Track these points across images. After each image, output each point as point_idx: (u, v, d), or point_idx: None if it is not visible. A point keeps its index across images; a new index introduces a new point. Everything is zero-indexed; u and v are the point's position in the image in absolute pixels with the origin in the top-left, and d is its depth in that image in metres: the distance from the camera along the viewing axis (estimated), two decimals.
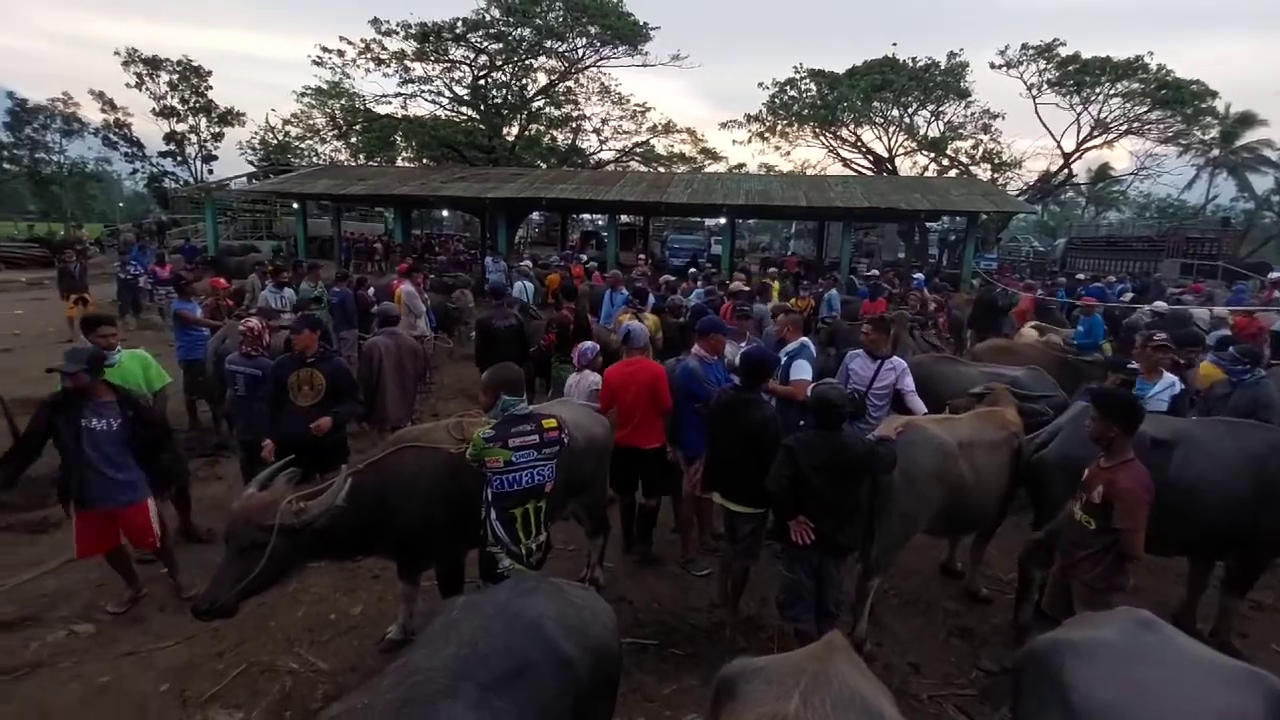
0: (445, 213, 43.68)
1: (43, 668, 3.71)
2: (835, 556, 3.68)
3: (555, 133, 34.94)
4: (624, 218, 28.45)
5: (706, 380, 4.68)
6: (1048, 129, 31.28)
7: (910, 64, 31.55)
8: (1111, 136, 30.41)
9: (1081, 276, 19.77)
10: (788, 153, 35.72)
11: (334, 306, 9.07)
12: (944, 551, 5.15)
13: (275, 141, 37.19)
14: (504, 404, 3.24)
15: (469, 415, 4.02)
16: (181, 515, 5.16)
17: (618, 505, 5.16)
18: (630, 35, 29.74)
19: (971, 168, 31.72)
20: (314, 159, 34.74)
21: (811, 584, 3.63)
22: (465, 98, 32.17)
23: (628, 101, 33.62)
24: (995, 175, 31.30)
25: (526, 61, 31.26)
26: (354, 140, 33.98)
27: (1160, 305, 9.84)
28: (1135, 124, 29.64)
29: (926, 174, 32.37)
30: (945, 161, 32.49)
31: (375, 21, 29.88)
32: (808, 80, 33.01)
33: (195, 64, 39.71)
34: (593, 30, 29.55)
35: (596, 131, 34.63)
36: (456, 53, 30.63)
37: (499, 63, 31.02)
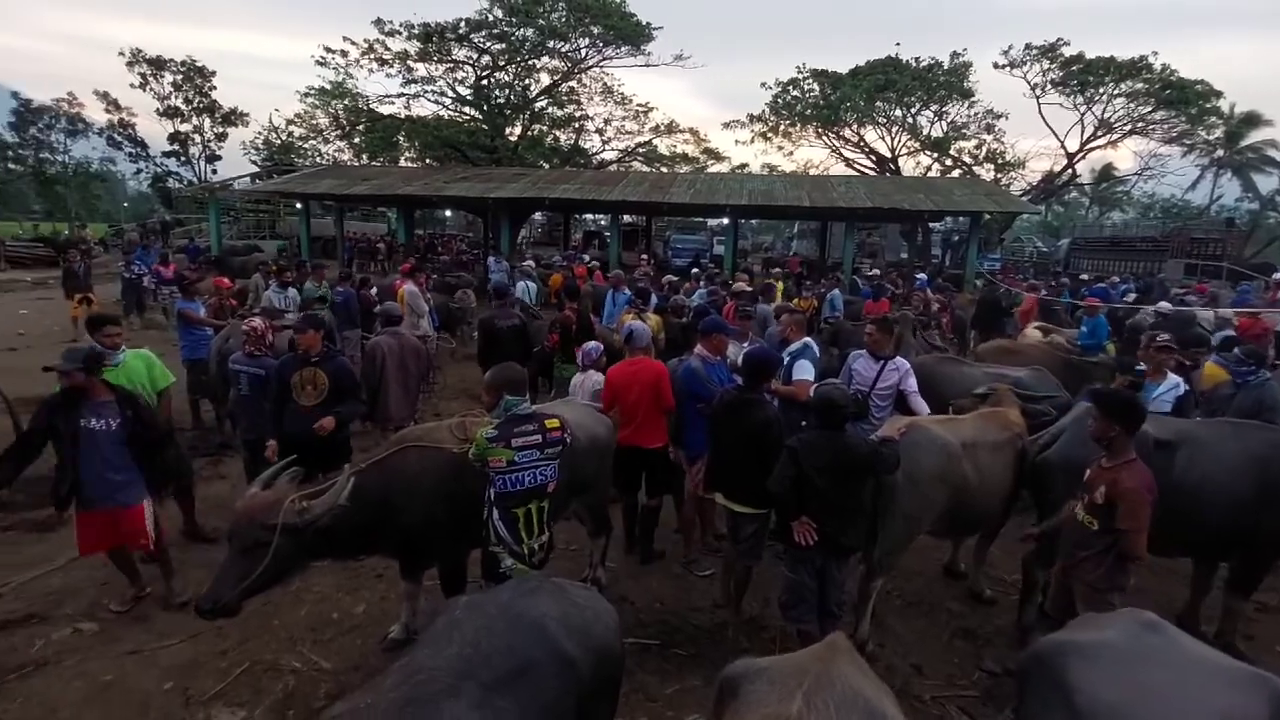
0: (448, 213, 43.75)
1: (48, 665, 3.72)
2: (838, 557, 3.67)
3: (558, 133, 34.98)
4: (627, 218, 28.47)
5: (709, 380, 4.68)
6: (1051, 129, 31.25)
7: (913, 64, 31.52)
8: (1115, 136, 30.36)
9: (1085, 277, 19.70)
10: (790, 153, 35.77)
11: (337, 306, 9.09)
12: (947, 553, 5.14)
13: (279, 142, 37.28)
14: (507, 404, 3.25)
15: (472, 415, 4.02)
16: (186, 515, 5.17)
17: (620, 505, 5.16)
18: (633, 35, 29.76)
19: (975, 168, 31.69)
20: (317, 159, 34.81)
21: (814, 585, 3.63)
22: (468, 98, 32.23)
23: (630, 101, 33.68)
24: (999, 175, 31.27)
25: (529, 62, 31.30)
26: (357, 140, 34.07)
27: (1164, 306, 9.81)
28: (1139, 124, 29.59)
29: (930, 174, 32.36)
30: (948, 161, 32.45)
31: (378, 22, 30.00)
32: (811, 80, 33.02)
33: (199, 64, 39.87)
34: (595, 30, 29.58)
35: (599, 132, 34.71)
36: (459, 53, 30.70)
37: (502, 63, 31.08)
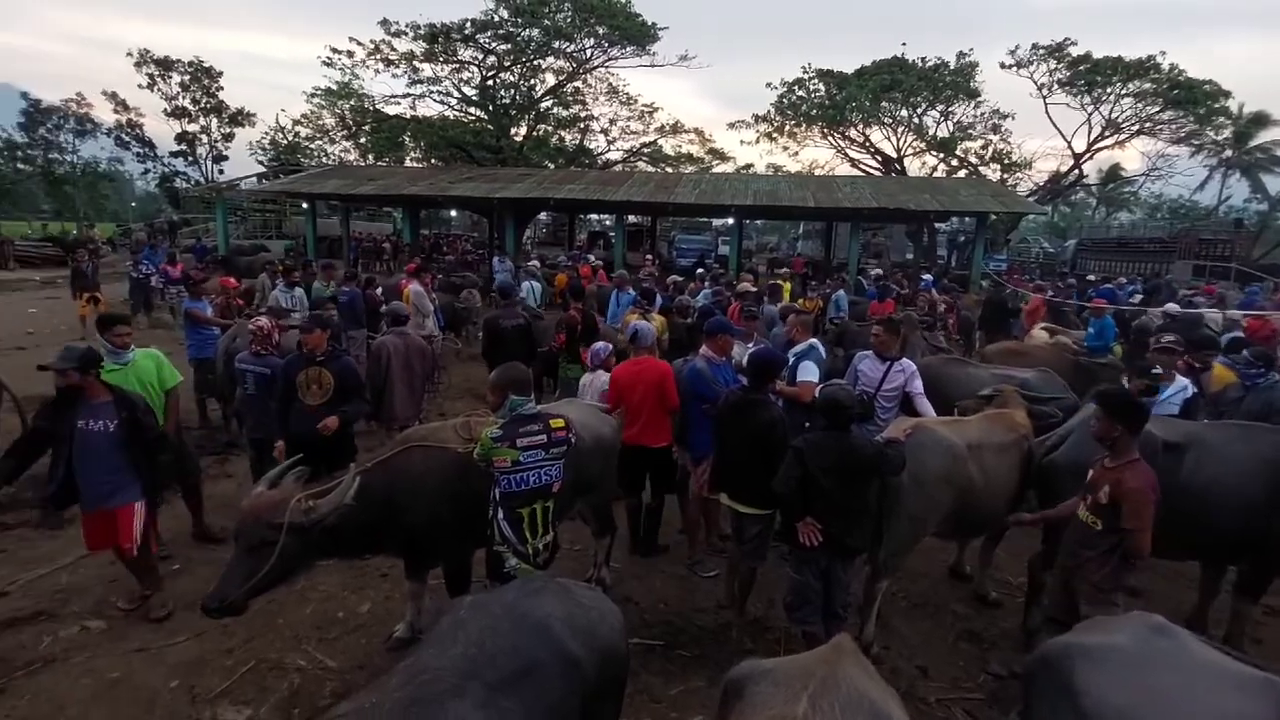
0: (453, 213, 43.81)
1: (55, 662, 3.75)
2: (843, 558, 3.66)
3: (563, 133, 35.06)
4: (631, 218, 28.47)
5: (714, 381, 4.67)
6: (1058, 129, 31.14)
7: (919, 64, 31.45)
8: (1123, 137, 30.25)
9: (1092, 278, 19.62)
10: (796, 153, 35.75)
11: (343, 306, 9.11)
12: (953, 554, 5.13)
13: (285, 142, 37.50)
14: (512, 404, 3.25)
15: (476, 415, 4.03)
16: (195, 515, 5.19)
17: (624, 505, 5.16)
18: (638, 35, 29.79)
19: (981, 168, 31.61)
20: (323, 159, 35.01)
21: (819, 586, 3.62)
22: (474, 98, 32.32)
23: (635, 102, 33.74)
24: (1005, 176, 31.17)
25: (535, 62, 31.38)
26: (363, 140, 34.22)
27: (1172, 307, 9.75)
28: (1147, 124, 29.47)
29: (935, 174, 32.28)
30: (954, 162, 32.38)
31: (384, 22, 30.14)
32: (816, 80, 32.98)
33: (206, 65, 40.04)
34: (601, 30, 29.62)
35: (604, 132, 34.78)
36: (465, 53, 30.80)
37: (507, 63, 31.16)
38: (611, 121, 34.33)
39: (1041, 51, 29.50)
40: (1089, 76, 28.73)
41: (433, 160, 33.01)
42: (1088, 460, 3.60)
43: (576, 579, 3.11)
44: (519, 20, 29.44)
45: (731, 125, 35.23)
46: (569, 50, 30.89)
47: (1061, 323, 11.01)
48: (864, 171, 33.35)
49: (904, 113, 32.57)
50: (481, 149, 31.58)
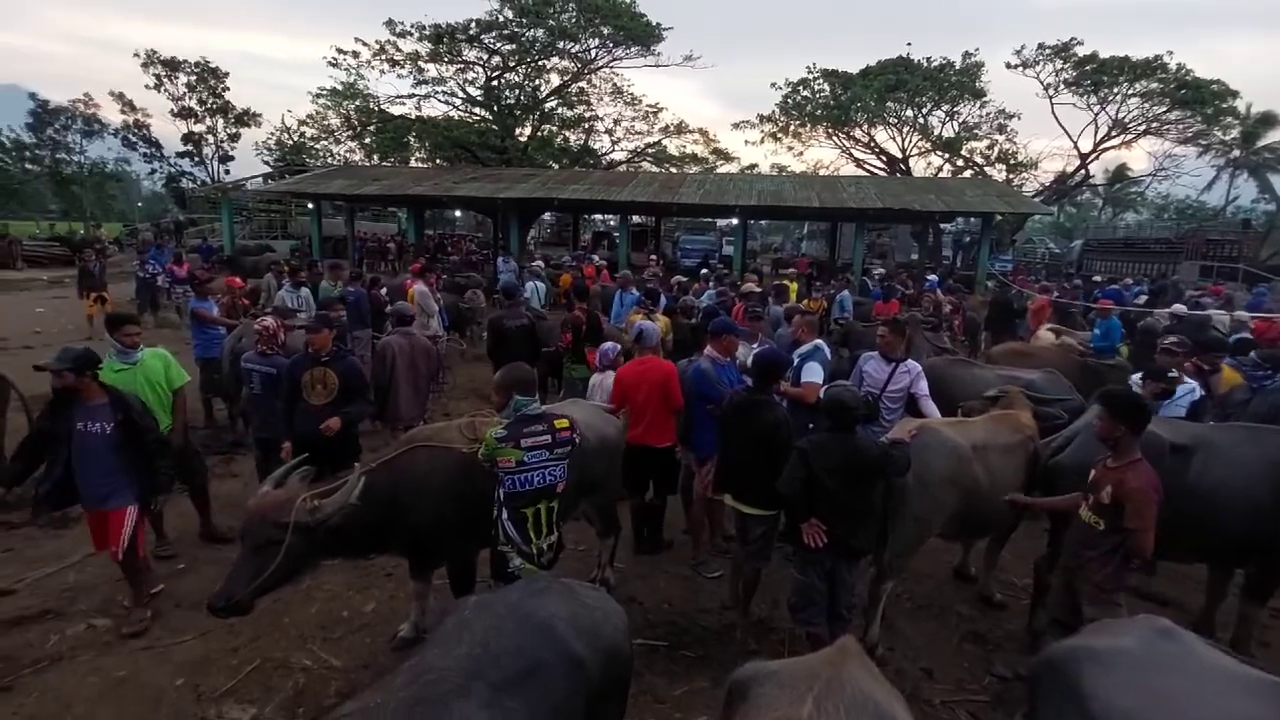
0: (458, 213, 43.93)
1: (62, 660, 3.77)
2: (848, 560, 3.66)
3: (568, 133, 35.08)
4: (636, 218, 28.45)
5: (719, 381, 4.67)
6: (1064, 129, 31.10)
7: (925, 64, 31.39)
8: (1130, 137, 30.12)
9: (1098, 279, 19.54)
10: (800, 153, 35.75)
11: (348, 306, 9.13)
12: (958, 556, 5.11)
13: (291, 142, 37.62)
14: (516, 404, 3.26)
15: (481, 415, 4.03)
16: (202, 515, 5.21)
17: (629, 505, 5.16)
18: (643, 36, 29.79)
19: (986, 168, 31.53)
20: (329, 159, 35.09)
21: (824, 587, 3.61)
22: (478, 98, 32.38)
23: (640, 102, 33.75)
24: (1010, 176, 31.09)
25: (539, 62, 31.41)
26: (368, 141, 34.29)
27: (1179, 308, 9.70)
28: (1154, 124, 29.34)
29: (941, 175, 32.20)
30: (960, 162, 32.31)
31: (390, 23, 30.21)
32: (821, 80, 32.97)
33: (213, 65, 40.31)
34: (605, 31, 29.63)
35: (609, 132, 34.80)
36: (470, 54, 30.85)
37: (512, 63, 31.20)
38: (616, 122, 34.40)
39: (1048, 51, 29.42)
40: (1095, 76, 28.62)
41: (437, 160, 33.08)
42: (1093, 462, 3.59)
43: (581, 579, 3.10)
44: (524, 21, 29.47)
45: (736, 125, 35.42)
46: (574, 50, 30.93)
47: (1068, 324, 10.96)
48: (869, 172, 33.31)
49: (909, 113, 32.53)
50: (486, 149, 31.63)
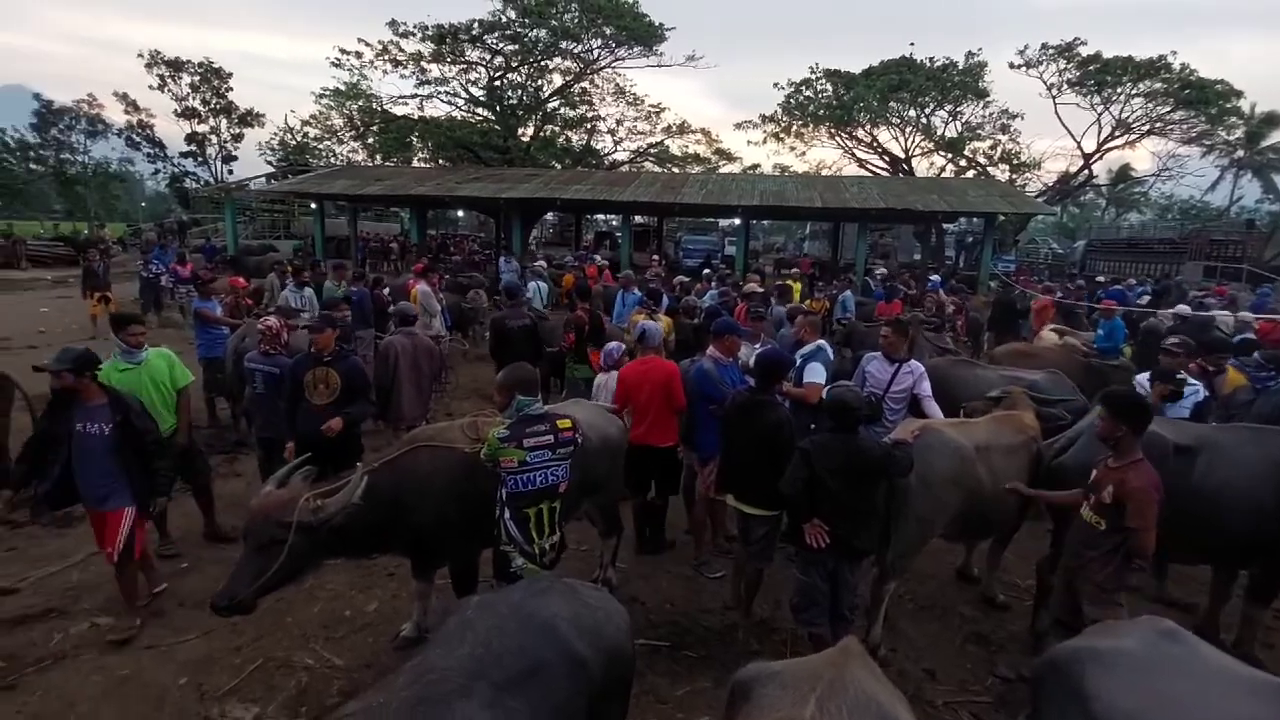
0: (460, 213, 44.00)
1: (66, 659, 3.78)
2: (850, 560, 3.65)
3: (570, 133, 35.12)
4: (638, 218, 28.47)
5: (721, 382, 4.67)
6: (1068, 129, 30.96)
7: (928, 64, 31.34)
8: (1133, 137, 30.06)
9: (1101, 279, 19.49)
10: (803, 153, 35.73)
11: (352, 306, 9.15)
12: (960, 556, 5.10)
13: (294, 142, 37.71)
14: (519, 404, 3.26)
15: (483, 415, 4.04)
16: (206, 514, 5.22)
17: (631, 505, 5.16)
18: (645, 36, 29.81)
19: (989, 168, 31.46)
20: (332, 159, 35.17)
21: (826, 587, 3.61)
22: (481, 99, 32.43)
23: (642, 102, 33.79)
24: (1013, 176, 31.03)
25: (542, 62, 31.44)
26: (371, 141, 34.36)
27: (1183, 309, 9.67)
28: (1158, 124, 29.28)
29: (943, 175, 32.15)
30: (963, 162, 32.26)
31: (393, 23, 30.29)
32: (824, 80, 32.93)
33: (216, 66, 40.43)
34: (608, 31, 29.65)
35: (611, 132, 34.83)
36: (473, 54, 30.89)
37: (514, 64, 31.23)
38: (618, 122, 34.44)
39: (1051, 51, 29.36)
40: (1099, 76, 28.56)
41: (440, 160, 33.13)
42: (1095, 462, 3.59)
43: (583, 579, 3.10)
44: (526, 21, 29.50)
45: (738, 125, 35.38)
46: (576, 51, 30.96)
47: (1073, 324, 10.94)
48: (871, 172, 33.25)
49: (912, 113, 32.48)
50: (489, 149, 31.66)
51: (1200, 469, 3.82)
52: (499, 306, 9.76)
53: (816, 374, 4.93)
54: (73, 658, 3.79)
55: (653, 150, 34.58)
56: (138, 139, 42.36)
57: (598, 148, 35.31)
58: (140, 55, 38.79)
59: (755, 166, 36.04)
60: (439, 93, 31.98)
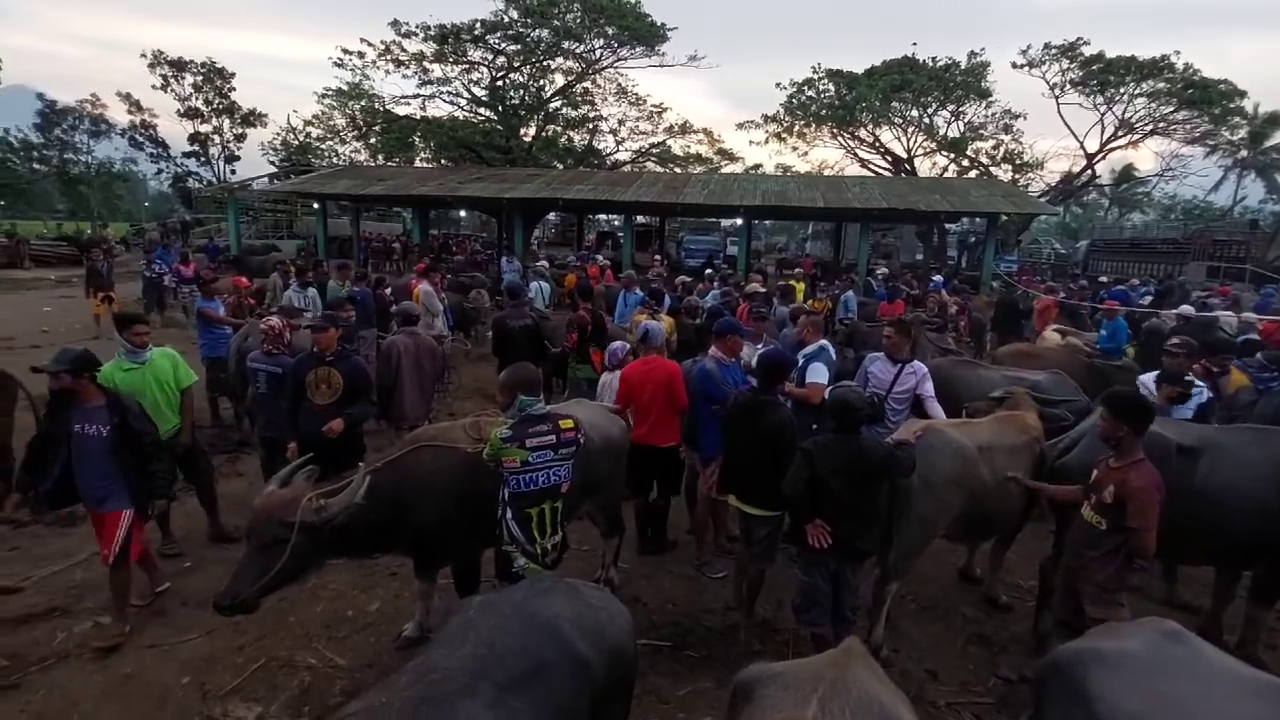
0: (462, 213, 43.99)
1: (69, 658, 3.79)
2: (852, 561, 3.65)
3: (572, 133, 35.12)
4: (640, 218, 28.48)
5: (723, 382, 4.67)
6: (1070, 129, 30.89)
7: (930, 64, 31.30)
8: (1136, 137, 30.00)
9: (1104, 279, 19.44)
10: (805, 153, 35.70)
11: (355, 305, 9.15)
12: (963, 557, 5.10)
13: (296, 142, 37.75)
14: (521, 404, 3.26)
15: (486, 415, 4.04)
16: (210, 515, 5.22)
17: (633, 505, 5.16)
18: (648, 36, 29.79)
19: (992, 168, 31.42)
20: (334, 159, 35.20)
21: (828, 588, 3.60)
22: (483, 99, 32.43)
23: (644, 102, 33.75)
24: (1016, 176, 30.98)
25: (544, 62, 31.43)
26: (373, 141, 34.39)
27: (1187, 309, 9.65)
28: (1161, 124, 29.22)
29: (946, 175, 32.10)
30: (965, 162, 32.20)
31: (395, 23, 30.29)
32: (826, 80, 32.90)
33: (219, 66, 40.44)
34: (610, 31, 29.64)
35: (613, 132, 34.82)
36: (475, 54, 30.89)
37: (517, 64, 31.23)
38: (620, 122, 34.41)
39: (1054, 51, 29.31)
40: (1102, 76, 28.51)
41: (442, 160, 33.16)
42: (1096, 462, 3.59)
43: (585, 579, 3.11)
44: (529, 21, 29.50)
45: (740, 125, 35.31)
46: (578, 51, 30.94)
47: (1078, 324, 10.92)
48: (874, 172, 33.21)
49: (914, 113, 32.44)
50: (491, 149, 31.67)
51: (1204, 470, 3.81)
52: (501, 306, 9.77)
53: (819, 374, 4.92)
54: (76, 656, 3.80)
55: (655, 150, 34.56)
56: (141, 139, 42.42)
57: (600, 148, 35.33)
58: (143, 55, 38.86)
59: (757, 166, 36.08)
60: (441, 93, 32.02)
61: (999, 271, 20.73)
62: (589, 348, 6.82)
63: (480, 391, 9.23)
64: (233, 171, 42.30)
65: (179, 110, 40.51)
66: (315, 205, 26.59)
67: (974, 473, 4.01)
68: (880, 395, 4.91)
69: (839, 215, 25.15)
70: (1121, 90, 28.70)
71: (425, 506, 3.54)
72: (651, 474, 5.00)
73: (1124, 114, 29.32)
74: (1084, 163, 30.98)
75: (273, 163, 37.64)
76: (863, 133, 33.81)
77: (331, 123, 35.28)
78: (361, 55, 31.52)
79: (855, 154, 34.85)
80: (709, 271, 13.49)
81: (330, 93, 33.55)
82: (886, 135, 33.86)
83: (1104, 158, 31.46)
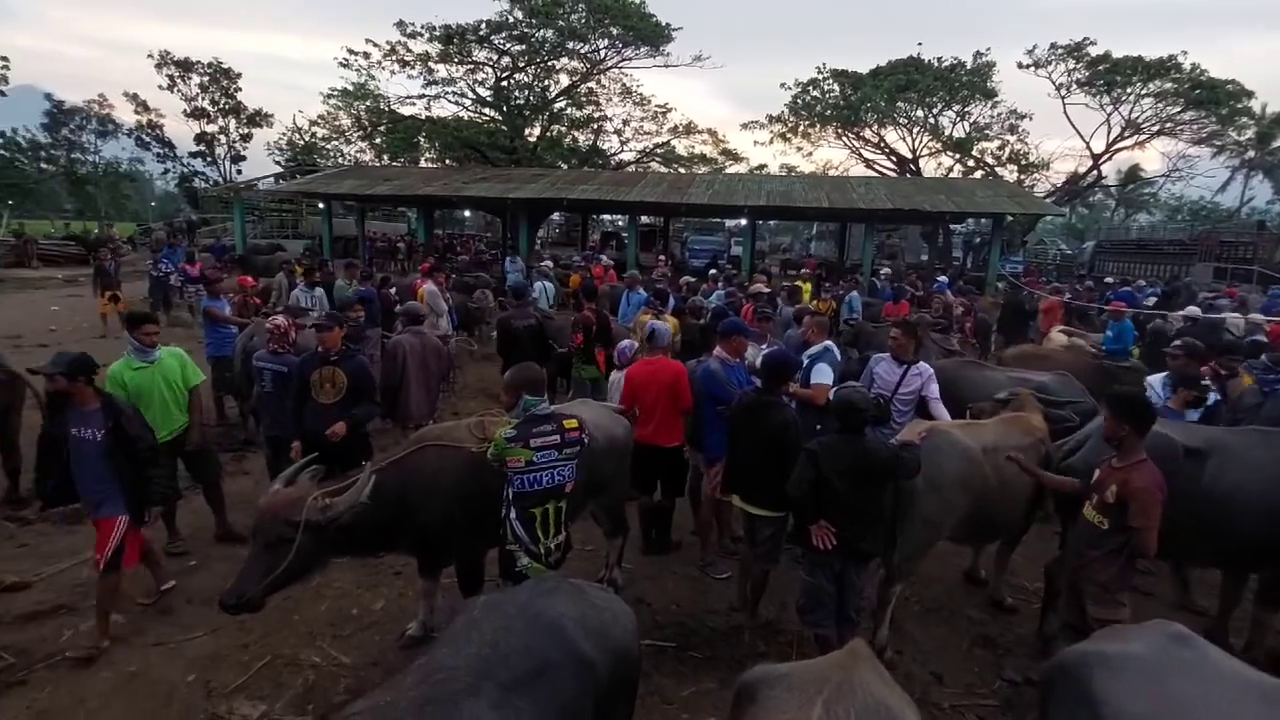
0: (467, 213, 44.06)
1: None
2: (857, 562, 3.64)
3: (576, 133, 35.17)
4: (644, 218, 28.48)
5: (728, 382, 4.66)
6: (1076, 130, 30.89)
7: (935, 64, 31.22)
8: (1143, 137, 29.88)
9: (1110, 280, 19.36)
10: (810, 154, 35.63)
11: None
12: (968, 559, 5.08)
13: (302, 142, 37.91)
14: (526, 404, 3.26)
15: (490, 414, 4.05)
16: (217, 515, 5.24)
17: (637, 506, 5.16)
18: (652, 36, 29.81)
19: (997, 169, 31.34)
20: (339, 159, 35.33)
21: (833, 589, 3.60)
22: (488, 99, 32.49)
23: (649, 102, 33.78)
24: (1022, 176, 30.88)
25: (549, 63, 31.48)
26: (379, 141, 34.51)
27: (1194, 311, 9.60)
28: (1168, 124, 29.09)
29: (951, 175, 32.00)
30: (970, 162, 32.11)
31: (400, 24, 30.36)
32: (831, 80, 32.85)
33: (225, 66, 40.61)
34: (615, 31, 29.67)
35: (617, 132, 34.87)
36: (480, 54, 30.97)
37: (521, 64, 31.29)
38: (625, 122, 34.46)
39: (1060, 51, 29.22)
40: (1108, 76, 28.40)
41: (447, 161, 33.24)
42: (1098, 461, 3.58)
43: (589, 579, 3.11)
44: (533, 21, 29.55)
45: (745, 126, 35.21)
46: (583, 51, 30.98)
47: (1087, 325, 10.87)
48: (879, 172, 33.14)
49: (920, 113, 32.36)
50: (495, 149, 31.73)
51: (1211, 472, 3.79)
52: (505, 306, 9.77)
53: (824, 375, 4.91)
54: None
55: (659, 150, 34.57)
56: (147, 139, 42.61)
57: (604, 148, 35.36)
58: (150, 56, 39.05)
59: (762, 167, 36.02)
60: (446, 93, 32.10)
61: (1004, 272, 20.63)
62: (594, 348, 6.82)
63: (485, 391, 9.24)
64: (238, 171, 42.49)
65: (185, 110, 40.73)
66: (320, 205, 26.64)
67: (979, 474, 4.00)
68: (885, 396, 4.90)
69: (844, 216, 25.10)
70: (1128, 90, 28.59)
71: (430, 506, 3.55)
72: (656, 474, 5.00)
73: (1130, 114, 29.23)
74: (1090, 163, 30.90)
75: (278, 163, 37.84)
76: (868, 133, 33.76)
77: (337, 123, 35.45)
78: (367, 56, 31.67)
79: (860, 154, 34.82)
80: (713, 272, 13.48)
81: (336, 93, 33.73)
82: (891, 135, 33.83)
83: (1110, 158, 31.43)
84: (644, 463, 4.82)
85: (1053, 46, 29.31)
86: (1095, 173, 31.53)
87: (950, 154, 32.88)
